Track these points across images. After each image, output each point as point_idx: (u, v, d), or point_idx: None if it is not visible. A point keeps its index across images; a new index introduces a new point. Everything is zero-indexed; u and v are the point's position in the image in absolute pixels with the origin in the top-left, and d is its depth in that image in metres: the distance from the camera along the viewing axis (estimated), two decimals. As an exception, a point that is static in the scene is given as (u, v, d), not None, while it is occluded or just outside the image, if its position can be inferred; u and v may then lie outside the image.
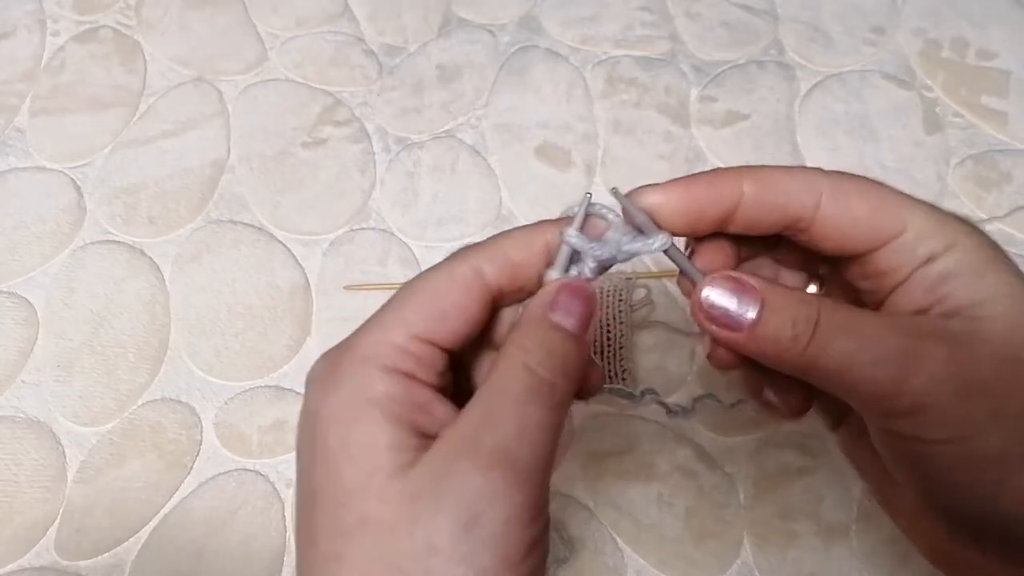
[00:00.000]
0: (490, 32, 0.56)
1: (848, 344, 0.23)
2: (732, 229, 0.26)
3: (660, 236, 0.25)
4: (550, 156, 0.52)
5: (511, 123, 0.53)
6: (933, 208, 0.25)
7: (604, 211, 0.26)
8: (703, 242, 0.27)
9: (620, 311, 0.45)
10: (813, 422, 0.45)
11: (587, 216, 0.26)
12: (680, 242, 0.27)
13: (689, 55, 0.55)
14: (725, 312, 0.24)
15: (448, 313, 0.24)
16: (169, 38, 0.55)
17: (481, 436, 0.22)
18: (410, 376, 0.23)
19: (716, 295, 0.25)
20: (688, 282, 0.26)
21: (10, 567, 0.42)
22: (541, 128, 0.52)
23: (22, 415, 0.45)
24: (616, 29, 0.55)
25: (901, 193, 0.25)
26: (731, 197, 0.25)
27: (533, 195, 0.51)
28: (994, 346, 0.23)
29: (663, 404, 0.44)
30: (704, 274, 0.25)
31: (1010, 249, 0.49)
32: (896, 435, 0.24)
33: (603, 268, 0.26)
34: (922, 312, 0.24)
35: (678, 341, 0.47)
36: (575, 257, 0.25)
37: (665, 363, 0.46)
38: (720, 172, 0.25)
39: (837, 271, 0.28)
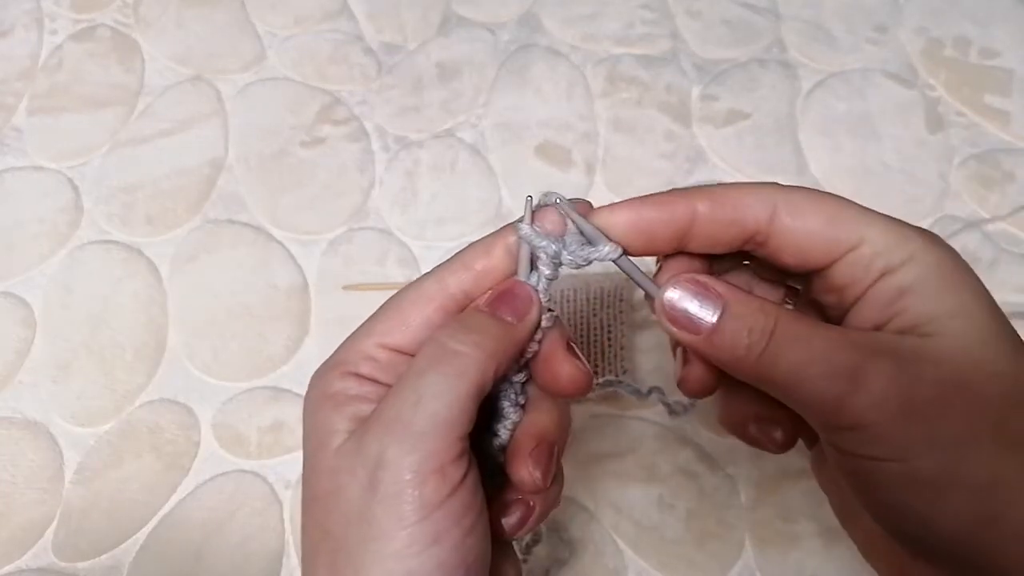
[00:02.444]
0: (490, 30, 0.55)
1: (798, 356, 0.24)
2: (693, 247, 0.26)
3: (609, 246, 0.26)
4: (550, 155, 0.52)
5: (511, 122, 0.52)
6: (894, 222, 0.25)
7: (560, 204, 0.27)
8: (670, 258, 0.27)
9: (620, 311, 0.45)
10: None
11: (545, 211, 0.27)
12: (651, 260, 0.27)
13: (690, 53, 0.55)
14: (686, 314, 0.25)
15: (410, 322, 0.26)
16: (167, 37, 0.55)
17: (384, 408, 0.24)
18: (369, 378, 0.26)
19: (679, 297, 0.25)
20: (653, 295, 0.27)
21: (7, 568, 0.42)
22: (541, 127, 0.52)
23: (19, 416, 0.45)
24: (617, 27, 0.55)
25: (860, 207, 0.25)
26: (683, 217, 0.25)
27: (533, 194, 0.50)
28: (941, 368, 0.23)
29: (667, 404, 0.44)
30: (659, 286, 0.26)
31: (1013, 248, 0.49)
32: (841, 450, 0.24)
33: (557, 266, 0.27)
34: (879, 327, 0.24)
35: (679, 341, 0.46)
36: (535, 264, 0.26)
37: (665, 363, 0.46)
38: (674, 192, 0.26)
39: (806, 287, 0.28)
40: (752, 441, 0.29)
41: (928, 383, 0.22)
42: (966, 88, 0.53)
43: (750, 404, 0.28)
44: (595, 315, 0.45)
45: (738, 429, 0.29)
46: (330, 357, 0.27)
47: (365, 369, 0.26)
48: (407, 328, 0.26)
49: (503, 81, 0.54)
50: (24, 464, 0.44)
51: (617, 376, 0.44)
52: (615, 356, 0.44)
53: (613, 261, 0.26)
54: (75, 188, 0.50)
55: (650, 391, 0.43)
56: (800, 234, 0.25)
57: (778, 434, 0.28)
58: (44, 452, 0.44)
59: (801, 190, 0.25)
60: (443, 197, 0.50)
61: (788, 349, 0.24)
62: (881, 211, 0.25)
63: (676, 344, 0.28)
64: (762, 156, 0.51)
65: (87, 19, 0.55)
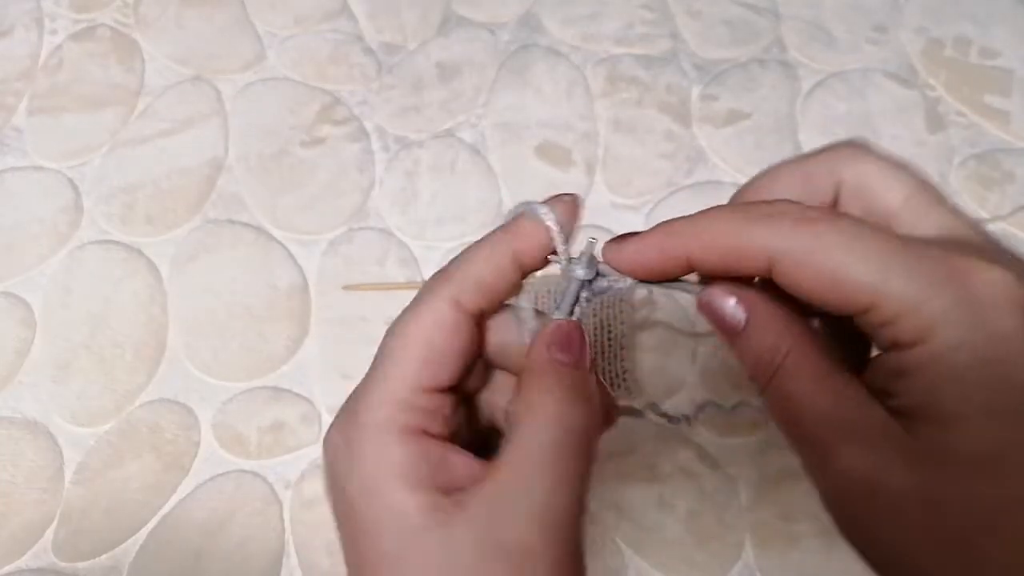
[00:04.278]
0: (490, 30, 0.55)
1: (784, 415, 0.23)
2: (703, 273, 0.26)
3: (623, 280, 0.26)
4: (550, 155, 0.52)
5: (511, 122, 0.52)
6: (923, 271, 0.20)
7: (547, 216, 0.27)
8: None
9: (621, 311, 0.45)
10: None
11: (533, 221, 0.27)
12: None
13: (690, 53, 0.55)
14: (721, 311, 0.24)
15: (444, 355, 0.24)
16: (167, 36, 0.55)
17: (518, 496, 0.23)
18: (423, 432, 0.24)
19: (715, 294, 0.25)
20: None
21: (7, 568, 0.42)
22: (541, 127, 0.52)
23: (19, 416, 0.45)
24: (617, 27, 0.55)
25: (878, 256, 0.21)
26: (679, 261, 0.24)
27: (533, 194, 0.50)
28: (912, 471, 0.21)
29: (665, 415, 0.43)
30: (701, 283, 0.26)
31: (1013, 248, 0.49)
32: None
33: (593, 294, 0.27)
34: (882, 392, 0.22)
35: (679, 341, 0.46)
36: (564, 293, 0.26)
37: (666, 364, 0.46)
38: (669, 235, 0.24)
39: None
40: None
41: (892, 483, 0.21)
42: (966, 88, 0.53)
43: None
44: (595, 315, 0.45)
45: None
46: (359, 408, 0.24)
47: (415, 421, 0.24)
48: (444, 363, 0.24)
49: (503, 81, 0.54)
50: (24, 464, 0.44)
51: (620, 376, 0.44)
52: (615, 356, 0.44)
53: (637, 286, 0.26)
54: (75, 188, 0.50)
55: (646, 408, 0.43)
56: (800, 291, 0.22)
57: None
58: (44, 452, 0.44)
59: (805, 239, 0.21)
60: (443, 197, 0.50)
61: (782, 401, 0.23)
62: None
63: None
64: (762, 156, 0.51)
65: (87, 19, 0.55)
